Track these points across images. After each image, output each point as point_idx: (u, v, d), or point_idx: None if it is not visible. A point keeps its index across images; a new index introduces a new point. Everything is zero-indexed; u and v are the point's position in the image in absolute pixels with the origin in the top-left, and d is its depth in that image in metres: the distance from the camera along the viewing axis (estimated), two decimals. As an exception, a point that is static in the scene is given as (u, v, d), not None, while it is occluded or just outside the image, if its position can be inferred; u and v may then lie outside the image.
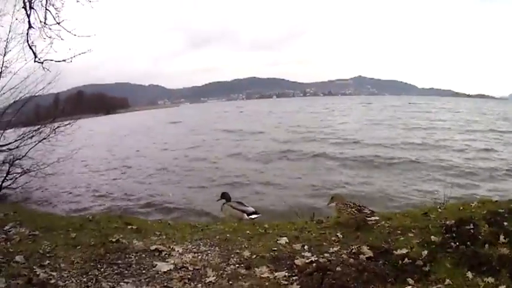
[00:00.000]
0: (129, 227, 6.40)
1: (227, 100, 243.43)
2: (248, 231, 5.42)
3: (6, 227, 6.24)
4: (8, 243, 5.43)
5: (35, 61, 11.24)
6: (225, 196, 6.74)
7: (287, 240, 4.80)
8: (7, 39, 12.67)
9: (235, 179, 15.95)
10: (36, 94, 14.45)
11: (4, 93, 13.62)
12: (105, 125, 58.06)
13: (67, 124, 15.42)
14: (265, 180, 15.19)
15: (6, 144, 14.10)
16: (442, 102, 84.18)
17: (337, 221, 5.38)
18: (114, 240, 5.50)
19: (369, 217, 4.98)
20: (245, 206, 6.46)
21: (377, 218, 5.04)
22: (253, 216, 6.24)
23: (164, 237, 5.78)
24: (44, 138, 14.78)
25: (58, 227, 6.19)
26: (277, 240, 4.86)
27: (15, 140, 14.38)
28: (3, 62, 13.10)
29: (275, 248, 4.55)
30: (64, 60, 11.24)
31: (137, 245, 5.37)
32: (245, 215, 6.26)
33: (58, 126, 15.03)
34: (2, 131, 14.10)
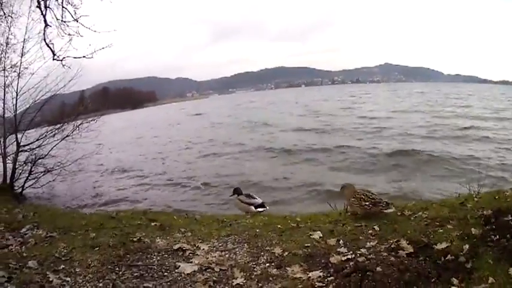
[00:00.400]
0: (153, 223, 5.99)
1: (255, 90, 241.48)
2: (279, 226, 5.01)
3: (23, 230, 5.89)
4: (23, 247, 5.05)
5: (53, 59, 11.21)
6: (237, 191, 6.59)
7: (321, 235, 4.38)
8: (24, 39, 12.67)
9: (263, 176, 14.92)
10: (58, 92, 14.23)
11: (24, 93, 13.64)
12: (126, 121, 58.10)
13: (90, 120, 15.11)
14: (291, 173, 14.61)
15: (28, 144, 13.88)
16: (468, 88, 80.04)
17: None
18: (135, 239, 5.08)
19: (385, 209, 4.64)
20: (254, 198, 6.31)
21: (393, 209, 4.67)
22: (260, 209, 6.08)
23: (189, 234, 5.35)
24: (67, 136, 14.49)
25: (77, 227, 5.80)
26: (311, 235, 4.44)
27: (37, 139, 14.19)
28: (21, 62, 12.96)
29: (308, 244, 4.15)
30: (84, 57, 11.04)
31: (160, 243, 4.96)
32: (252, 207, 6.11)
33: (81, 123, 14.72)
34: (23, 131, 13.94)
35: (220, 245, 4.57)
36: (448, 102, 43.69)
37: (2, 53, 12.54)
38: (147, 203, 12.15)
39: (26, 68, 13.00)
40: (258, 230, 4.86)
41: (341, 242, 4.12)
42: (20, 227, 6.02)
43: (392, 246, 3.78)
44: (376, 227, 4.39)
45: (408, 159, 15.56)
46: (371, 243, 3.98)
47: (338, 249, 3.93)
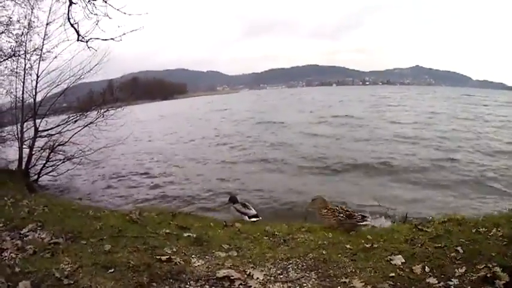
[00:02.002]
0: (186, 234, 4.75)
1: (287, 87, 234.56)
2: (348, 246, 4.10)
3: (24, 230, 4.74)
4: (18, 256, 3.83)
5: (78, 40, 10.31)
6: (232, 199, 6.49)
7: (403, 260, 3.60)
8: (47, 23, 11.65)
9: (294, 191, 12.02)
10: (83, 77, 13.02)
11: (45, 77, 12.53)
12: (158, 111, 56.68)
13: (117, 107, 14.02)
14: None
15: (47, 130, 12.85)
16: (496, 94, 74.70)
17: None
18: (163, 258, 3.83)
19: (360, 222, 4.57)
20: (249, 208, 6.20)
21: (369, 222, 4.63)
22: (254, 219, 5.95)
23: (235, 253, 4.17)
24: (91, 123, 13.36)
25: (89, 233, 4.57)
26: (390, 260, 3.64)
27: (57, 125, 13.15)
28: (43, 44, 11.95)
29: (392, 274, 3.35)
30: (112, 39, 10.01)
31: (197, 266, 3.74)
32: (246, 217, 5.99)
33: (107, 110, 13.60)
34: (43, 117, 12.82)
35: (279, 272, 3.58)
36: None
37: (24, 36, 11.56)
38: (173, 201, 10.74)
39: (49, 51, 12.07)
40: (324, 252, 3.94)
41: (427, 268, 3.43)
42: (22, 225, 4.88)
43: (486, 274, 3.20)
44: (459, 249, 3.75)
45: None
46: (460, 269, 3.38)
47: (427, 280, 3.26)
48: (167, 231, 4.85)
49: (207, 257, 4.04)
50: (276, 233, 4.80)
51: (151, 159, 18.15)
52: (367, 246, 4.00)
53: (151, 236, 4.56)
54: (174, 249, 4.15)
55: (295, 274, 3.50)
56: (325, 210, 4.79)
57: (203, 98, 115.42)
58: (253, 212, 6.10)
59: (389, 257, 3.69)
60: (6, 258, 3.82)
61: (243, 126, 29.48)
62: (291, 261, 3.75)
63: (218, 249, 4.27)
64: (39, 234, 4.55)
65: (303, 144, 19.29)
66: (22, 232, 4.64)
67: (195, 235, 4.71)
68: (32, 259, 3.74)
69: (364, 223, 4.60)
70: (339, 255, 3.82)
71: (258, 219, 6.08)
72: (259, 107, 51.05)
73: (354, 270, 3.48)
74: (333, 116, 32.08)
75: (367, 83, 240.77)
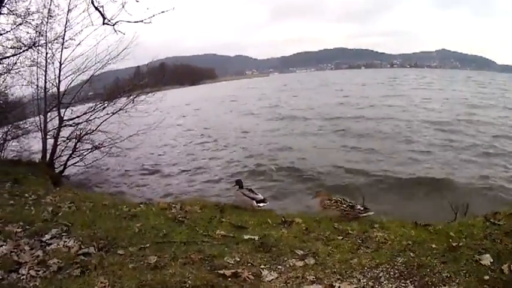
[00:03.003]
0: (246, 236, 3.84)
1: (316, 70, 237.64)
2: (434, 245, 3.50)
3: (47, 236, 3.86)
4: (39, 273, 2.95)
5: (103, 23, 9.83)
6: (238, 183, 6.19)
7: (491, 260, 3.08)
8: (68, 9, 10.95)
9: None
10: (110, 64, 12.11)
11: (69, 64, 11.65)
12: (188, 95, 55.30)
13: (148, 92, 13.22)
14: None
15: (72, 119, 12.03)
16: None
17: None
18: (227, 272, 2.93)
19: (363, 213, 4.58)
20: (255, 193, 5.95)
21: (372, 213, 4.63)
22: (261, 204, 5.73)
23: (313, 261, 3.30)
24: (121, 109, 12.52)
25: (127, 239, 3.67)
26: (479, 259, 3.12)
27: (84, 113, 12.31)
28: (65, 31, 11.17)
29: (486, 277, 2.86)
30: (141, 21, 9.53)
31: (272, 282, 2.93)
32: (254, 202, 5.72)
33: (137, 95, 12.79)
34: (68, 105, 12.03)
35: (371, 284, 2.92)
36: None
37: (44, 25, 10.80)
38: (208, 190, 9.80)
39: (72, 39, 11.34)
40: (412, 255, 3.35)
41: (512, 267, 2.91)
42: (44, 230, 3.99)
43: None
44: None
45: None
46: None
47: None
48: (222, 232, 3.91)
49: (279, 267, 3.17)
50: (349, 231, 4.04)
51: (184, 145, 17.02)
52: (453, 245, 3.44)
53: (205, 241, 3.62)
54: (237, 259, 3.23)
55: (390, 285, 2.91)
56: (328, 201, 4.82)
57: (233, 82, 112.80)
58: (260, 196, 5.86)
59: (476, 256, 3.19)
60: (24, 277, 2.94)
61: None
62: (380, 269, 3.14)
63: (291, 256, 3.37)
64: (64, 242, 3.64)
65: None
66: (44, 239, 3.75)
67: (256, 237, 3.77)
68: (57, 280, 2.84)
69: (365, 214, 4.62)
70: (429, 258, 3.26)
71: (265, 204, 5.86)
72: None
73: (449, 275, 2.97)
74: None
75: (395, 66, 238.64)
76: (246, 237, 3.76)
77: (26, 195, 5.90)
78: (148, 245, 3.45)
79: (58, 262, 3.12)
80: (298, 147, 14.26)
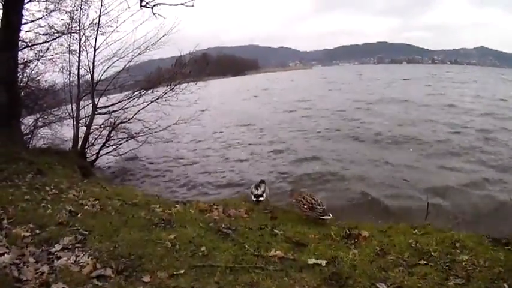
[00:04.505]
0: (311, 261, 2.93)
1: (359, 64, 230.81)
2: None
3: (57, 247, 3.03)
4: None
5: (141, 6, 9.49)
6: (261, 181, 6.08)
7: None
8: None
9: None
10: (149, 49, 11.39)
11: (104, 49, 11.13)
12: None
13: (190, 81, 12.43)
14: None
15: (107, 106, 11.43)
16: None
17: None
18: None
19: (321, 216, 4.30)
20: (257, 189, 5.72)
21: (330, 217, 4.33)
22: (256, 199, 5.51)
23: None
24: (159, 97, 11.79)
25: (156, 258, 2.81)
26: None
27: (120, 101, 11.71)
28: (100, 15, 10.61)
29: None
30: (183, 4, 9.16)
31: None
32: (252, 196, 5.60)
33: (177, 83, 12.02)
34: (102, 93, 11.43)
35: None
36: None
37: (78, 11, 10.41)
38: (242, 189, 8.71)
39: (109, 26, 10.87)
40: (506, 286, 2.61)
41: None
42: (56, 237, 3.19)
43: None
44: None
45: None
46: None
47: None
48: (278, 253, 2.94)
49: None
50: (431, 252, 3.18)
51: (228, 137, 15.37)
52: None
53: (258, 267, 2.67)
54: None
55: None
56: (295, 201, 4.67)
57: (273, 74, 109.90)
58: (257, 192, 5.72)
59: None
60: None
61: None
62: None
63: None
64: (77, 256, 2.79)
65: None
66: (53, 250, 2.94)
67: (323, 262, 2.82)
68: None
69: (324, 217, 4.33)
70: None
71: (261, 199, 5.69)
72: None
73: None
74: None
75: (436, 61, 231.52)
76: (310, 261, 2.81)
77: (47, 188, 5.15)
78: (183, 270, 2.54)
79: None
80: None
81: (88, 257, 2.74)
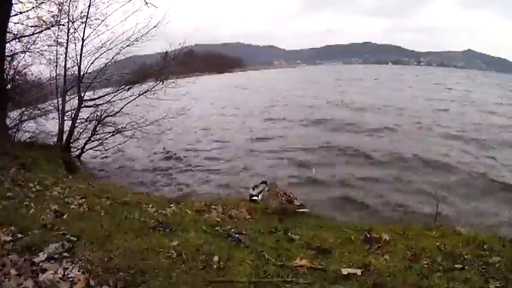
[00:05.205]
0: (345, 271, 2.60)
1: (343, 64, 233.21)
2: None
3: (41, 256, 2.58)
4: None
5: None
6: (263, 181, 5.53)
7: None
8: None
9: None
10: (139, 40, 10.90)
11: (92, 40, 10.66)
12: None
13: (177, 76, 12.37)
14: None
15: (94, 99, 10.99)
16: None
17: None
18: None
19: (299, 209, 4.32)
20: (253, 189, 5.39)
21: (307, 210, 4.37)
22: (251, 198, 5.21)
23: None
24: (148, 91, 11.44)
25: (161, 273, 2.38)
26: None
27: (106, 94, 11.28)
28: (89, 5, 10.14)
29: None
30: None
31: None
32: (248, 196, 5.41)
33: (164, 78, 11.62)
34: (88, 87, 10.96)
35: None
36: None
37: (67, 2, 9.94)
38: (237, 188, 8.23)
39: (97, 19, 10.40)
40: None
41: None
42: (39, 243, 2.73)
43: None
44: None
45: None
46: None
47: None
48: (304, 262, 2.60)
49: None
50: (464, 255, 3.01)
51: (216, 133, 15.26)
52: None
53: (287, 281, 2.31)
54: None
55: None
56: (268, 192, 4.63)
57: (257, 72, 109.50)
58: (253, 192, 5.48)
59: None
60: None
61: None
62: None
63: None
64: (65, 270, 2.36)
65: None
66: (37, 260, 2.49)
67: (358, 271, 2.54)
68: None
69: (302, 210, 4.35)
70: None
71: (255, 198, 5.42)
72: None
73: None
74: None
75: (421, 63, 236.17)
76: (344, 271, 2.46)
77: (31, 184, 4.71)
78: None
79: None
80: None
81: (78, 270, 2.32)
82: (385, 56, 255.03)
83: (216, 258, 2.52)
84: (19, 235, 2.87)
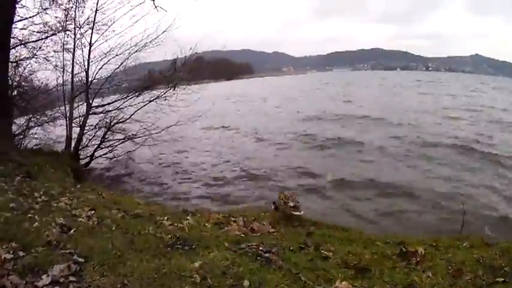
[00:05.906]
0: None
1: (352, 70, 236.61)
2: None
3: (44, 279, 2.25)
4: None
5: None
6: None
7: None
8: None
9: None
10: (148, 45, 10.73)
11: (100, 45, 10.47)
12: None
13: (188, 83, 12.06)
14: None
15: (102, 105, 10.76)
16: None
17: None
18: None
19: (294, 211, 4.35)
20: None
21: (301, 213, 4.39)
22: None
23: None
24: (158, 97, 11.20)
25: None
26: None
27: (116, 100, 11.03)
28: (96, 10, 9.97)
29: None
30: None
31: None
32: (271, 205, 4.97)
33: (176, 83, 11.41)
34: (96, 93, 10.75)
35: None
36: None
37: (74, 8, 9.81)
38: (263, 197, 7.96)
39: (105, 25, 10.23)
40: None
41: None
42: (43, 263, 2.39)
43: None
44: None
45: None
46: None
47: None
48: (344, 284, 2.32)
49: None
50: (504, 267, 2.83)
51: (231, 141, 14.91)
52: None
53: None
54: None
55: None
56: (280, 199, 4.53)
57: (266, 78, 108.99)
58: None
59: None
60: None
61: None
62: None
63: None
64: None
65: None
66: (40, 285, 2.17)
67: None
68: None
69: (296, 213, 4.33)
70: None
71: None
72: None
73: None
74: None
75: (430, 69, 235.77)
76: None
77: (36, 194, 4.41)
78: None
79: None
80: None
81: (89, 294, 2.00)
82: (393, 61, 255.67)
83: (246, 283, 2.17)
84: (21, 253, 2.56)
